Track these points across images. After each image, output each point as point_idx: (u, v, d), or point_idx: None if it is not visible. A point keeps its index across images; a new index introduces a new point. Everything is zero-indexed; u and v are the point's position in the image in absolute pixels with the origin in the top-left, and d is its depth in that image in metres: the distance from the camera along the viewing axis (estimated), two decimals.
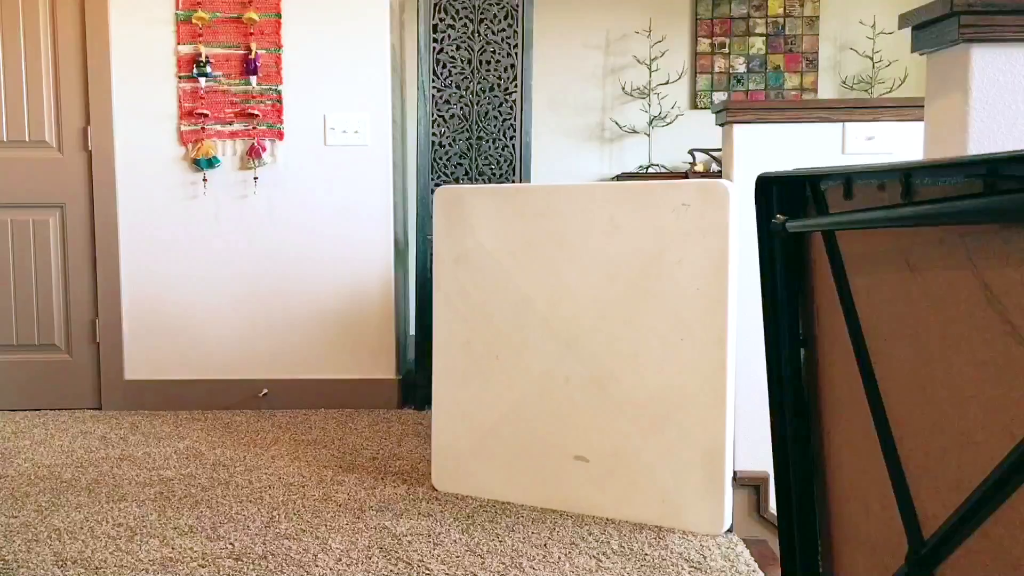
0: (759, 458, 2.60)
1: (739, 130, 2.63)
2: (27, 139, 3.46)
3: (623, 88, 5.23)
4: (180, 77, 3.44)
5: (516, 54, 3.45)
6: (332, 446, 2.98)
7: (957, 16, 1.38)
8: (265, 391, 3.51)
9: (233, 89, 3.43)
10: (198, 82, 3.42)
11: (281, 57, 3.43)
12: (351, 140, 3.47)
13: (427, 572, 1.96)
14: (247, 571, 1.97)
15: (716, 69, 5.24)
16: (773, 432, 1.27)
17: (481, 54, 3.44)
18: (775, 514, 2.39)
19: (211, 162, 3.44)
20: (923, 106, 1.59)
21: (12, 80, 3.44)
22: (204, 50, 3.41)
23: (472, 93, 3.45)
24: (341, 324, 3.52)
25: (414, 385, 3.60)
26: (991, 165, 0.76)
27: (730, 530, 2.22)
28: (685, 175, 4.93)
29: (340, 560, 2.03)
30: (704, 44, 5.23)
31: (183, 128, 3.45)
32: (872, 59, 5.16)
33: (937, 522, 0.90)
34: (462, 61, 3.45)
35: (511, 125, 3.46)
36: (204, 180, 3.46)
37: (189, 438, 3.09)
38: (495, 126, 3.46)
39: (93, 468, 2.75)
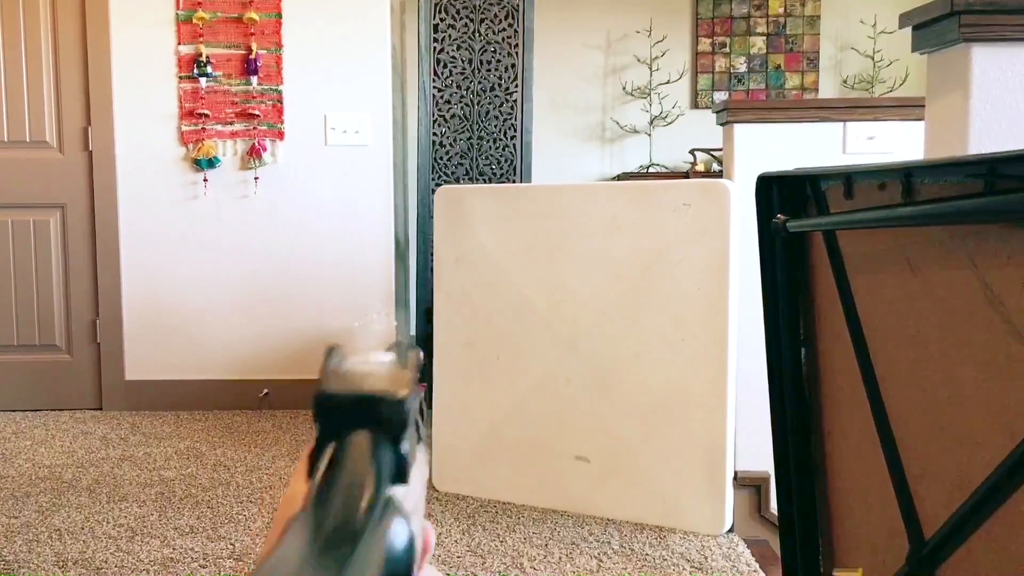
0: (760, 458, 2.59)
1: (740, 130, 2.62)
2: (28, 139, 3.46)
3: (624, 88, 5.23)
4: (181, 77, 3.44)
5: (517, 54, 3.45)
6: None
7: (957, 16, 1.37)
8: (266, 391, 3.50)
9: (234, 89, 3.43)
10: (199, 82, 3.41)
11: (282, 57, 3.43)
12: (351, 140, 3.47)
13: None
14: (248, 571, 1.97)
15: (717, 69, 5.24)
16: (774, 432, 1.27)
17: (482, 54, 3.44)
18: (776, 514, 2.39)
19: (212, 162, 3.43)
20: (924, 106, 1.58)
21: (13, 80, 3.44)
22: (205, 50, 3.41)
23: (473, 93, 3.45)
24: (342, 324, 3.52)
25: None
26: (991, 165, 0.76)
27: (731, 530, 2.22)
28: (686, 175, 4.93)
29: None
30: (705, 44, 5.23)
31: (184, 128, 3.45)
32: (873, 59, 5.15)
33: (938, 522, 0.90)
34: (463, 61, 3.45)
35: (512, 125, 3.46)
36: (205, 180, 3.46)
37: (190, 438, 3.09)
38: (496, 126, 3.46)
39: (94, 468, 2.75)
